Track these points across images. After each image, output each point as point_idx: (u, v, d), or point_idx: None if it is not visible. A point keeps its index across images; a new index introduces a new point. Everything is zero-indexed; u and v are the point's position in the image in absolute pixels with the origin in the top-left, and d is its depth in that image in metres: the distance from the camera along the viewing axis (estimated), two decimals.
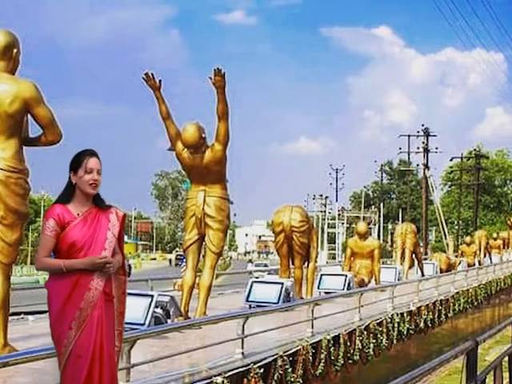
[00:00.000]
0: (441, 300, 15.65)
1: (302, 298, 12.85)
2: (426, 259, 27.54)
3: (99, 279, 3.83)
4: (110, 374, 3.84)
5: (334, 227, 69.54)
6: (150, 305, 8.19)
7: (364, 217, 65.37)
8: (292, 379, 7.43)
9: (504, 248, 36.22)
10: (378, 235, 63.26)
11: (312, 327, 8.79)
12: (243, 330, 6.96)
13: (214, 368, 6.31)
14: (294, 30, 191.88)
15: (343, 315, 10.57)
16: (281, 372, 7.19)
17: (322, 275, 15.27)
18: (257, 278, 15.69)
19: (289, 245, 13.26)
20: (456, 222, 64.62)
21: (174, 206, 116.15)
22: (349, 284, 14.38)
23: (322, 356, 8.48)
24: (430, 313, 14.40)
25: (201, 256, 10.18)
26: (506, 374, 7.00)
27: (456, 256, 32.06)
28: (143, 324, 7.85)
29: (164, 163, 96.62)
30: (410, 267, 20.41)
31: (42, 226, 3.91)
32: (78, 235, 3.85)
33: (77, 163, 3.94)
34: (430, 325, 14.28)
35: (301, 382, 7.67)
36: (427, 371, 4.94)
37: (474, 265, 28.30)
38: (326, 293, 13.96)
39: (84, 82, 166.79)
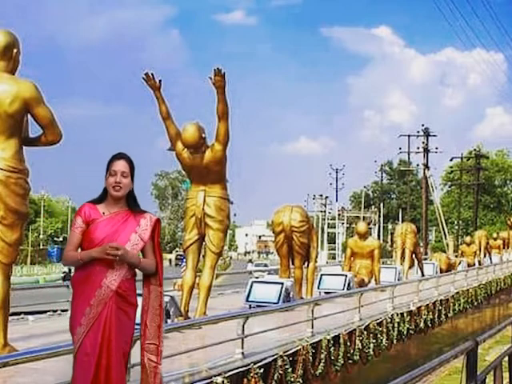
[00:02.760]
0: (441, 300, 15.64)
1: (302, 297, 12.85)
2: (426, 259, 27.53)
3: (113, 278, 3.84)
4: (117, 376, 3.81)
5: (334, 227, 69.48)
6: None
7: (364, 217, 65.32)
8: (292, 379, 7.43)
9: (504, 248, 36.21)
10: (378, 235, 63.22)
11: (312, 327, 8.79)
12: (243, 329, 6.96)
13: (213, 368, 6.31)
14: (294, 30, 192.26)
15: (343, 315, 10.57)
16: (281, 372, 7.19)
17: (322, 275, 15.26)
18: (257, 277, 15.68)
19: (289, 245, 13.26)
20: (456, 222, 64.61)
21: (174, 206, 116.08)
22: (349, 284, 14.38)
23: (322, 356, 8.48)
24: (430, 313, 14.39)
25: (201, 256, 10.18)
26: (506, 374, 7.00)
27: (456, 256, 32.05)
28: None
29: (164, 163, 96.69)
30: (410, 267, 20.41)
31: (71, 224, 4.02)
32: (98, 232, 3.89)
33: (107, 167, 4.03)
34: (430, 325, 14.28)
35: (301, 382, 7.67)
36: (427, 371, 4.94)
37: (474, 265, 28.29)
38: (326, 293, 13.96)
39: (84, 82, 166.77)
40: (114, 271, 3.84)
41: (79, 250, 3.93)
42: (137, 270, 4.07)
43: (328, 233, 67.28)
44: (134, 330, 3.94)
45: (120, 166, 4.00)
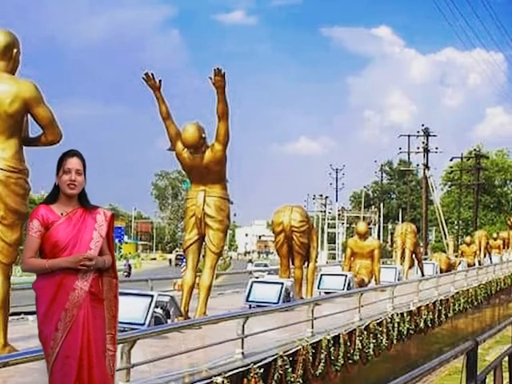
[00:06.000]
0: (441, 300, 15.65)
1: (302, 297, 12.85)
2: (425, 259, 27.55)
3: (84, 279, 3.80)
4: (100, 375, 3.79)
5: (334, 227, 69.50)
6: (150, 305, 8.19)
7: (364, 217, 65.31)
8: (292, 379, 7.43)
9: (504, 248, 36.23)
10: (378, 235, 63.22)
11: (312, 327, 8.79)
12: (243, 330, 6.96)
13: (214, 368, 6.31)
14: (293, 30, 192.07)
15: (343, 315, 10.57)
16: (281, 372, 7.20)
17: (322, 275, 15.27)
18: (257, 277, 15.69)
19: (289, 245, 13.27)
20: (456, 222, 64.61)
21: (174, 206, 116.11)
22: (349, 284, 14.39)
23: (322, 356, 8.48)
24: (430, 313, 14.40)
25: (201, 256, 10.18)
26: (506, 374, 7.00)
27: (456, 256, 32.07)
28: (143, 324, 7.85)
29: (164, 163, 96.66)
30: (410, 267, 20.42)
31: (26, 227, 3.91)
32: (61, 235, 3.83)
33: (58, 165, 3.96)
34: (430, 325, 14.29)
35: (301, 382, 7.67)
36: (427, 371, 4.95)
37: (474, 265, 28.30)
38: (326, 293, 13.96)
39: (84, 82, 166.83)
40: (84, 273, 3.82)
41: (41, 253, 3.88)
42: None
43: (328, 233, 67.29)
44: (105, 325, 3.91)
45: (74, 163, 3.93)
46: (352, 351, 9.66)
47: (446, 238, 49.24)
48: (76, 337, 3.74)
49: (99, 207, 4.05)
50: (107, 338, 3.93)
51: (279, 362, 7.21)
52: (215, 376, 6.02)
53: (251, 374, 6.58)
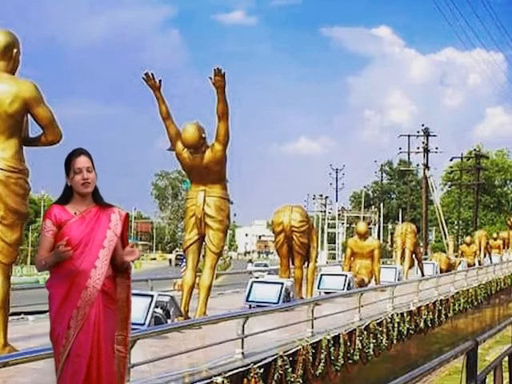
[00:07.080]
0: (441, 300, 15.65)
1: (302, 297, 12.85)
2: (425, 259, 27.54)
3: (97, 277, 3.81)
4: (108, 374, 3.80)
5: (334, 227, 69.50)
6: (150, 305, 8.20)
7: (364, 217, 65.28)
8: (292, 379, 7.44)
9: (504, 248, 36.22)
10: (378, 235, 63.21)
11: (312, 327, 8.79)
12: (243, 330, 6.96)
13: (214, 368, 6.31)
14: (293, 30, 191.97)
15: (343, 315, 10.57)
16: (281, 372, 7.20)
17: (322, 275, 15.28)
18: (257, 277, 15.68)
19: (289, 245, 13.27)
20: (456, 222, 64.63)
21: (174, 206, 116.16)
22: (349, 284, 14.39)
23: (322, 356, 8.48)
24: (430, 313, 14.40)
25: (201, 256, 10.19)
26: (506, 374, 7.00)
27: (456, 256, 32.06)
28: (143, 324, 7.86)
29: (164, 163, 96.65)
30: (410, 267, 20.42)
31: (40, 227, 3.93)
32: (74, 233, 3.84)
33: (67, 167, 3.97)
34: (430, 325, 14.29)
35: (301, 382, 7.67)
36: (427, 371, 4.95)
37: (474, 265, 28.30)
38: (326, 293, 13.96)
39: (84, 82, 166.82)
40: (97, 270, 3.82)
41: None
42: None
43: (328, 233, 67.28)
44: (116, 325, 3.91)
45: (83, 162, 3.94)
46: (352, 351, 9.66)
47: (446, 237, 49.23)
48: (87, 335, 3.76)
49: (114, 206, 4.04)
50: (118, 339, 3.92)
51: (279, 362, 7.21)
52: (215, 376, 6.03)
53: (251, 374, 6.58)
